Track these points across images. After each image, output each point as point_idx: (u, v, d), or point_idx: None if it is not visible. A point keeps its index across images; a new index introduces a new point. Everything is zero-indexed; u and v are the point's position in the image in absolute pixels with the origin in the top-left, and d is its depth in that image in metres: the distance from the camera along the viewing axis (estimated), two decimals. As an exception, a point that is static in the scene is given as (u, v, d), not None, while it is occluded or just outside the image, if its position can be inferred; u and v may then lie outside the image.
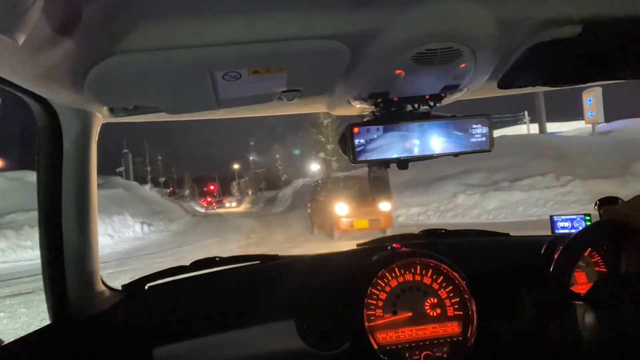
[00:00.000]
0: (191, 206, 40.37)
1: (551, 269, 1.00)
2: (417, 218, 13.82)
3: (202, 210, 43.76)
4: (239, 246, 10.43)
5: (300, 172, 40.65)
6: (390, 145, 1.03)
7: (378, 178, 1.15)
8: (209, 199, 55.99)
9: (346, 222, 9.43)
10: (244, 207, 44.20)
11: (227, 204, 51.37)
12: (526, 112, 38.66)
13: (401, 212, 14.14)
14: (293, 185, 33.72)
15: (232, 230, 14.64)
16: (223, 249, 10.27)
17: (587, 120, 18.30)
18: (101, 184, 18.37)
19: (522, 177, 13.80)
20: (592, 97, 17.42)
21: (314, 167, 34.46)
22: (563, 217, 1.44)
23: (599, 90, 17.11)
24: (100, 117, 1.07)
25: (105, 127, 1.13)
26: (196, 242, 12.04)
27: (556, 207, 12.19)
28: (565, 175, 13.34)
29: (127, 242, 13.33)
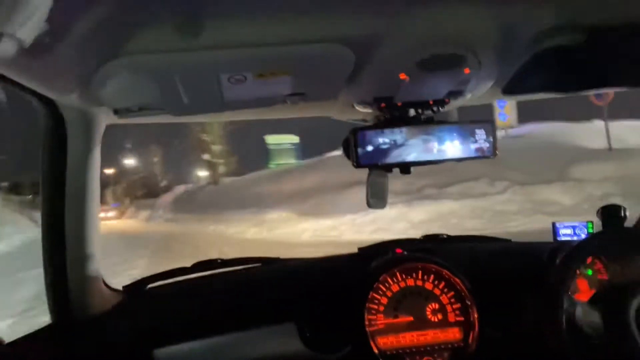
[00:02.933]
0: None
1: (552, 277, 1.02)
2: (328, 233, 10.77)
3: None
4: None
5: (182, 178, 38.54)
6: (394, 150, 1.03)
7: (376, 183, 1.14)
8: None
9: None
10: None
11: (102, 214, 42.78)
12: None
13: (307, 226, 11.38)
14: (174, 192, 30.25)
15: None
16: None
17: (500, 124, 17.17)
18: None
19: (451, 182, 11.39)
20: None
21: (200, 171, 31.74)
22: (565, 224, 1.46)
23: (512, 92, 16.26)
24: (105, 119, 1.08)
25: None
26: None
27: (497, 219, 9.70)
28: (501, 180, 11.23)
29: None
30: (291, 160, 58.63)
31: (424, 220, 10.31)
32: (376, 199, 1.16)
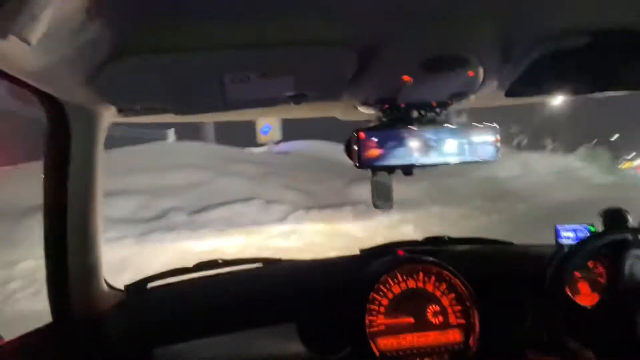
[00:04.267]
0: None
1: (552, 279, 1.07)
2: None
3: None
4: None
5: None
6: (396, 151, 1.03)
7: (380, 184, 1.14)
8: None
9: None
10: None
11: None
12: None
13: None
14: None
15: None
16: None
17: (261, 138, 14.51)
18: None
19: (210, 204, 7.72)
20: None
21: None
22: (567, 227, 1.45)
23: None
24: (108, 117, 1.08)
25: None
26: None
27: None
28: (279, 202, 8.18)
29: None
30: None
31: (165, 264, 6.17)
32: (382, 200, 1.15)
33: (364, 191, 8.80)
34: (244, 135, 13.03)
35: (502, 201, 9.84)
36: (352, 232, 7.34)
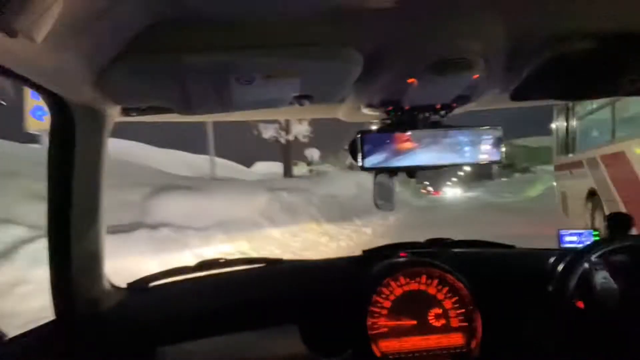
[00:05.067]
0: None
1: (555, 283, 1.07)
2: None
3: None
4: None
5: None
6: (400, 153, 1.03)
7: (382, 185, 1.15)
8: None
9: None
10: None
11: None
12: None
13: None
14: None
15: None
16: None
17: (32, 125, 7.90)
18: None
19: None
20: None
21: None
22: (571, 232, 1.46)
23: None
24: (113, 116, 1.08)
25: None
26: None
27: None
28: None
29: None
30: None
31: None
32: (384, 200, 1.17)
33: (174, 206, 6.25)
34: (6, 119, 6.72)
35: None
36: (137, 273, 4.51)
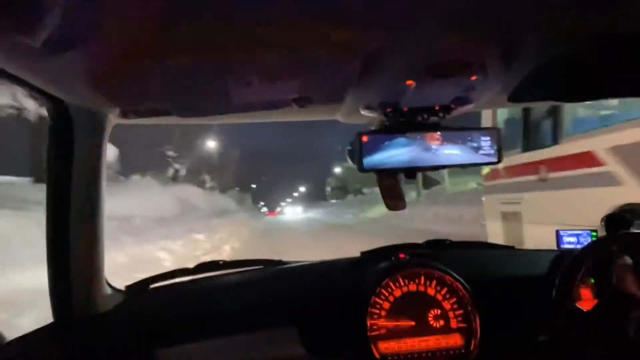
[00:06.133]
0: None
1: (555, 284, 1.07)
2: None
3: None
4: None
5: None
6: (399, 154, 1.03)
7: (389, 185, 1.15)
8: None
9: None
10: None
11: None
12: None
13: None
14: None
15: None
16: None
17: None
18: None
19: None
20: None
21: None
22: (569, 232, 1.46)
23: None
24: (112, 119, 1.08)
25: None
26: None
27: None
28: None
29: None
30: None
31: None
32: (395, 201, 1.16)
33: None
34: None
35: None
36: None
